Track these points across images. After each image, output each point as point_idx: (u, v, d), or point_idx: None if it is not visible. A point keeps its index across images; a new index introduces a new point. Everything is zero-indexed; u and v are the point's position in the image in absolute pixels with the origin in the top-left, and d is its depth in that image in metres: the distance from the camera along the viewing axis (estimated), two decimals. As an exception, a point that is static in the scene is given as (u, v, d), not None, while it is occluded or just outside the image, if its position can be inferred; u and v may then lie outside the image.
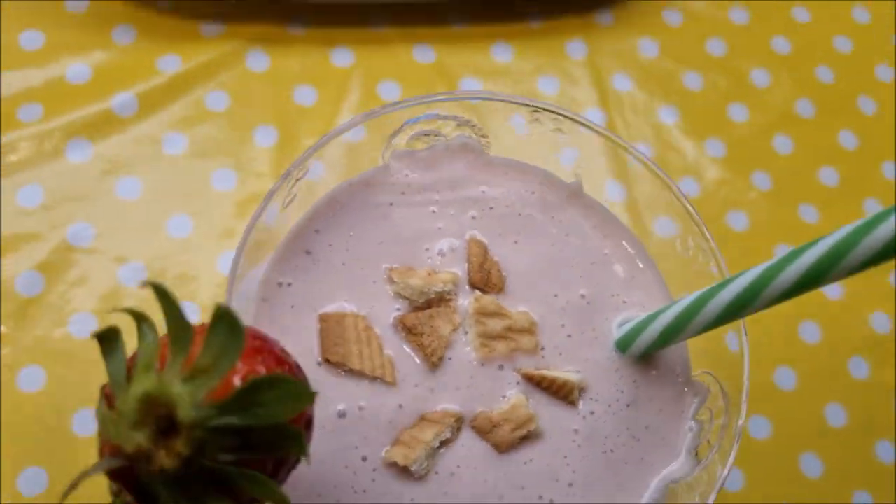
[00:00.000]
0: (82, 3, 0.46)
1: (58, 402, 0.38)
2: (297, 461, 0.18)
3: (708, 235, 0.24)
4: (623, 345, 0.24)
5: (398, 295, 0.23)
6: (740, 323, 0.23)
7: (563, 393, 0.23)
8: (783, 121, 0.49)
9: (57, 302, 0.40)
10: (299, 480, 0.21)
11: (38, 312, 0.40)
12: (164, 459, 0.16)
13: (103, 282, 0.41)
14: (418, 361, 0.23)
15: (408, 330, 0.23)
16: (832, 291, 0.46)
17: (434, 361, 0.23)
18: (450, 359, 0.23)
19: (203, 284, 0.41)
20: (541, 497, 0.22)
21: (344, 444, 0.20)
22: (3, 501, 0.32)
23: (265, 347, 0.17)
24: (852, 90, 0.51)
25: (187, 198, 0.43)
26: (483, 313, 0.23)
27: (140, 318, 0.16)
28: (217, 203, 0.43)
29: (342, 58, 0.47)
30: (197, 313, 0.41)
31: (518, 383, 0.23)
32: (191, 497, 0.16)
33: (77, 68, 0.45)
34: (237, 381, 0.16)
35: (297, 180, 0.25)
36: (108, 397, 0.17)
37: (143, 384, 0.16)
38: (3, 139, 0.42)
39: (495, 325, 0.23)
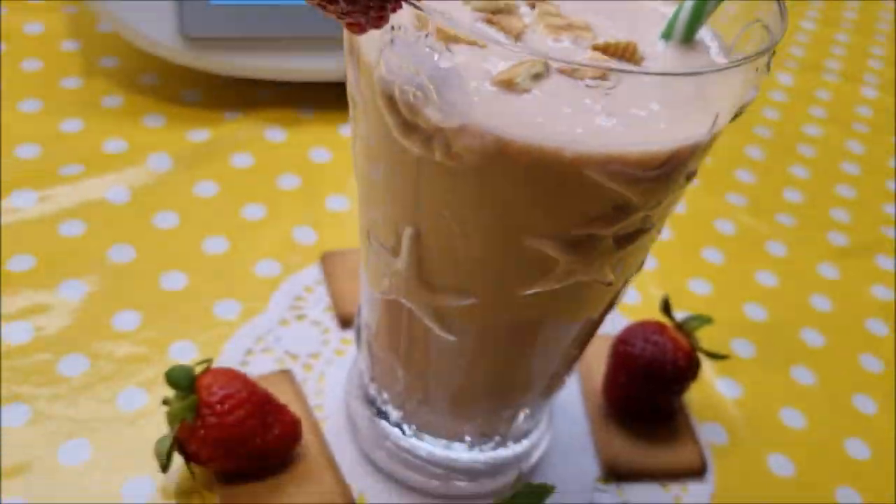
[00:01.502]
0: (115, 99, 0.52)
1: None
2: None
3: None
4: (667, 33, 0.27)
5: (475, 9, 0.27)
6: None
7: (628, 54, 0.26)
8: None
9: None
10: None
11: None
12: None
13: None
14: (501, 36, 0.25)
15: (488, 21, 0.26)
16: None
17: (515, 35, 0.25)
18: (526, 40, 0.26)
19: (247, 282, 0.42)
20: (643, 115, 0.24)
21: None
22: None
23: None
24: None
25: (223, 223, 0.46)
26: (547, 13, 0.27)
27: None
28: (252, 231, 0.46)
29: (349, 130, 0.53)
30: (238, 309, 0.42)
31: (589, 55, 0.26)
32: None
33: (114, 143, 0.49)
34: None
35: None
36: None
37: None
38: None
39: (558, 21, 0.26)
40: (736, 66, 0.22)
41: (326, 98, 0.54)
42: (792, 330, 0.47)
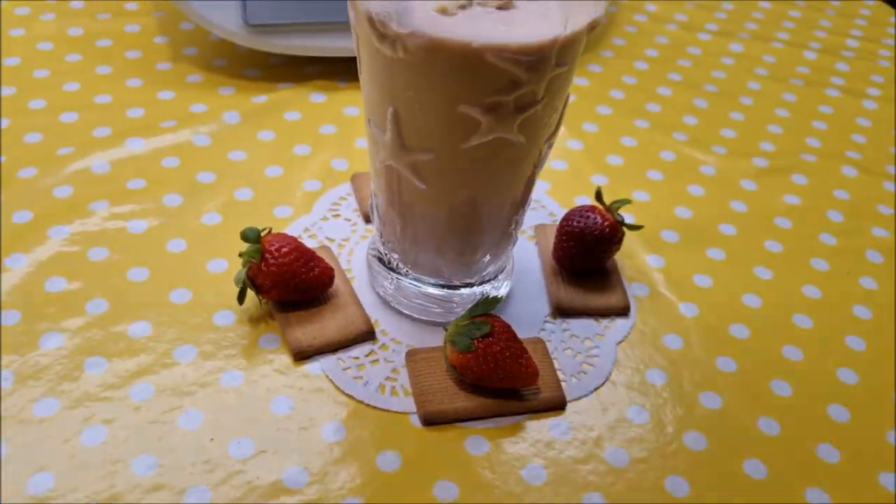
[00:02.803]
0: (196, 77, 0.69)
1: None
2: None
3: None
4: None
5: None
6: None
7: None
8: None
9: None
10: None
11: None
12: None
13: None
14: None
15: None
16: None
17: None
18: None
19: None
20: (525, 23, 0.38)
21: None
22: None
23: None
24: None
25: (279, 157, 0.62)
26: None
27: None
28: (300, 162, 0.62)
29: (374, 91, 0.69)
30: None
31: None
32: None
33: (197, 106, 0.66)
34: None
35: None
36: None
37: None
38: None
39: None
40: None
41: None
42: (712, 225, 0.61)
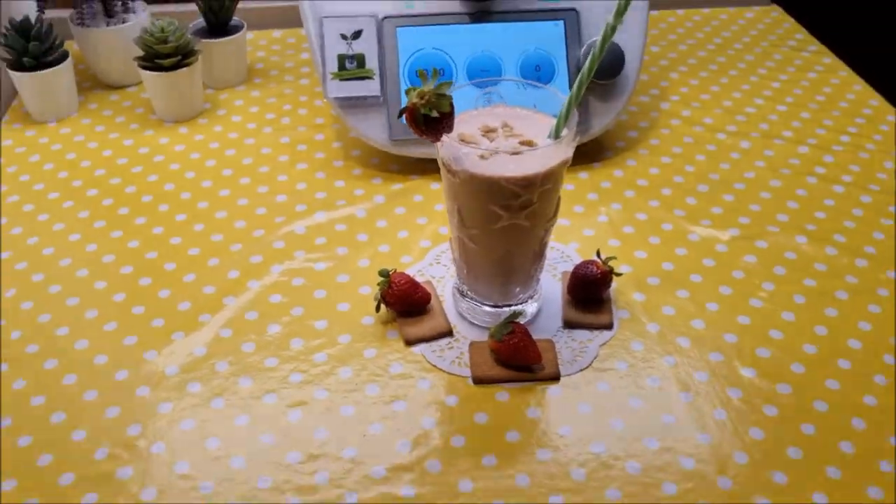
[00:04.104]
0: (358, 170, 1.08)
1: None
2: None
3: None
4: (550, 134, 0.75)
5: (480, 129, 0.77)
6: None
7: (530, 144, 0.74)
8: None
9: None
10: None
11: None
12: (422, 105, 0.69)
13: (371, 251, 0.95)
14: (485, 141, 0.75)
15: (483, 134, 0.76)
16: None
17: (491, 139, 0.75)
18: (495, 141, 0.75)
19: (414, 246, 0.95)
20: (526, 164, 0.73)
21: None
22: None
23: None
24: None
25: (407, 224, 0.98)
26: (507, 130, 0.75)
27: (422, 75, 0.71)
28: (419, 228, 0.98)
29: (472, 180, 1.05)
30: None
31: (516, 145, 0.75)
32: (429, 110, 0.69)
33: (358, 190, 1.04)
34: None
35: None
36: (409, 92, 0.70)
37: (419, 88, 0.70)
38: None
39: (509, 132, 0.75)
40: (538, 149, 0.71)
41: (461, 166, 1.06)
42: (686, 275, 0.91)
